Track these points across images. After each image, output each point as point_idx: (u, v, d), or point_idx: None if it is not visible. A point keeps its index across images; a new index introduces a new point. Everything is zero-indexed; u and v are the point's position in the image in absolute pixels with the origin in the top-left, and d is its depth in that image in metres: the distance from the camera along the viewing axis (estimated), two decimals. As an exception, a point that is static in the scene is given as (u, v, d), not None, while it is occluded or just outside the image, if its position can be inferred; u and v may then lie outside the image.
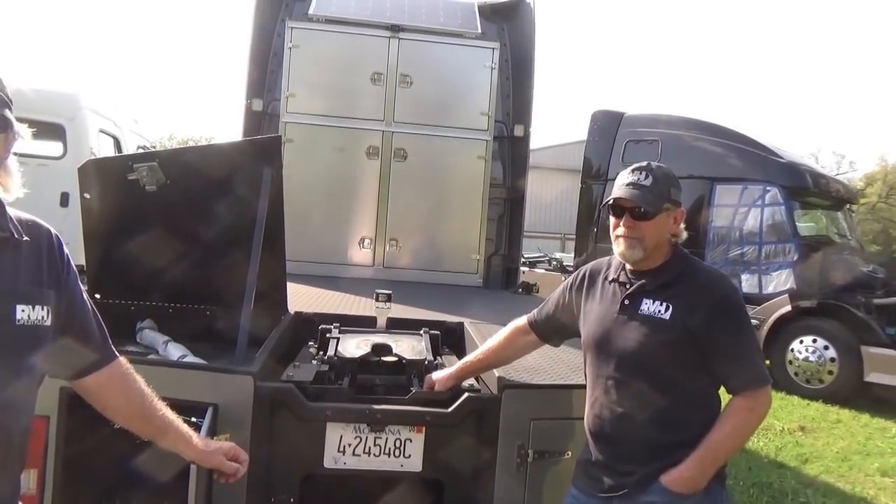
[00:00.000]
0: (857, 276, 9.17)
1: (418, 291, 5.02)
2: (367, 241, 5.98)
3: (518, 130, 6.39)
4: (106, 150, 8.08)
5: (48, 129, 7.66)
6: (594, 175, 11.09)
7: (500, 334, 2.68)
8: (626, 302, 2.23)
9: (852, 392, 8.53)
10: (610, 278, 2.32)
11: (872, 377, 8.40)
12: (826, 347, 8.74)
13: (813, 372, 8.76)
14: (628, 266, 2.27)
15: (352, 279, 5.58)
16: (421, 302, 4.38)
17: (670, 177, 2.24)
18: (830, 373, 8.68)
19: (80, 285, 1.71)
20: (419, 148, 5.98)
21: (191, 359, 2.94)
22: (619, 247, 2.24)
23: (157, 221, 3.03)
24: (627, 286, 2.25)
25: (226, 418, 2.47)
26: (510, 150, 6.53)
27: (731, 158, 9.90)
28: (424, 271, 5.95)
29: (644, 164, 2.27)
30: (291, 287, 4.81)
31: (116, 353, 1.81)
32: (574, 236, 11.99)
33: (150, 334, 3.34)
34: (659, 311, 2.15)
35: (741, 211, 9.65)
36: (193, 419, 2.35)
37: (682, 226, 2.29)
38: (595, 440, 2.25)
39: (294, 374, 2.73)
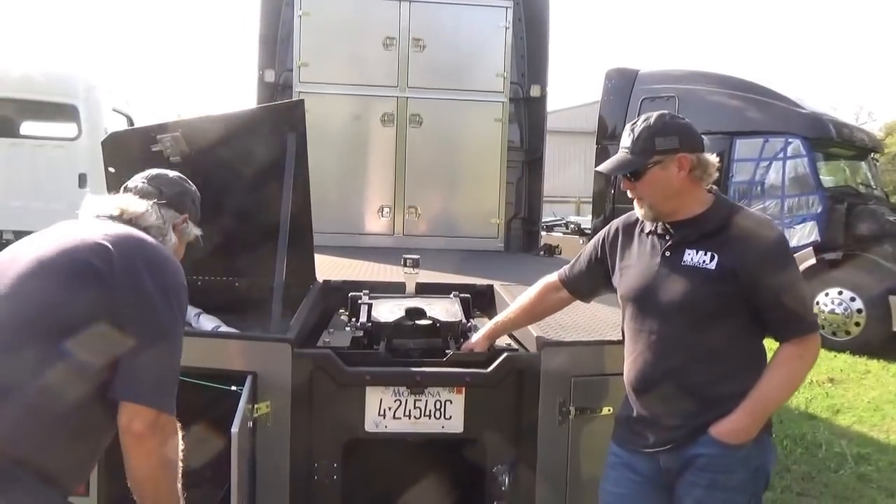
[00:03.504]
0: (884, 225, 9.01)
1: (441, 257, 4.95)
2: (385, 210, 5.93)
3: (534, 91, 6.29)
4: (120, 128, 8.05)
5: (61, 111, 7.64)
6: (609, 135, 10.87)
7: (531, 292, 2.64)
8: (668, 254, 2.17)
9: (881, 343, 8.44)
10: (647, 230, 2.26)
11: (901, 327, 8.30)
12: (853, 299, 8.64)
13: (840, 324, 8.67)
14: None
15: (372, 248, 5.54)
16: (445, 267, 4.34)
17: (655, 127, 2.13)
18: (857, 324, 8.59)
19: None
20: (434, 113, 5.89)
21: (225, 329, 2.93)
22: (636, 209, 2.23)
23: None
24: (667, 238, 2.19)
25: (265, 386, 2.46)
26: (527, 111, 6.45)
27: (751, 111, 9.68)
28: (445, 237, 5.90)
29: (632, 122, 2.20)
30: (316, 258, 4.84)
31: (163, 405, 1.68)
32: (589, 199, 11.85)
33: (180, 307, 3.32)
34: (703, 262, 2.09)
35: (763, 165, 9.46)
36: (233, 388, 2.35)
37: (712, 169, 2.17)
38: (638, 395, 2.21)
39: (330, 340, 2.72)
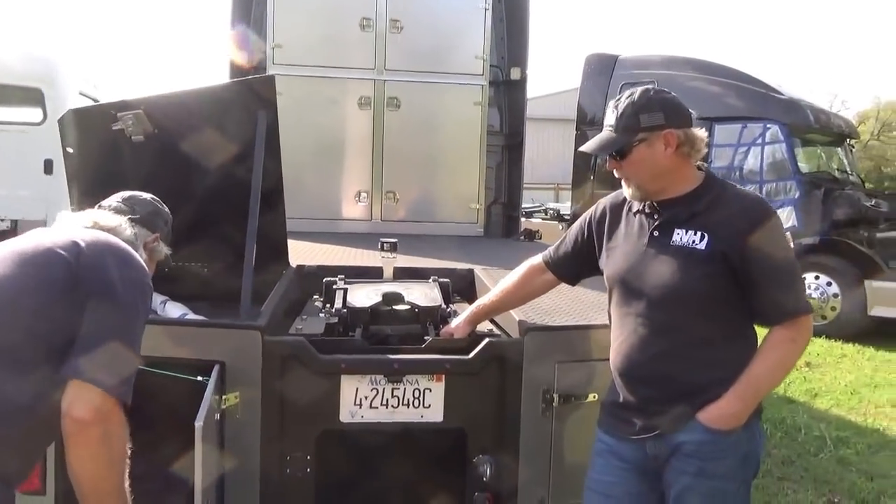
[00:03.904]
0: (860, 210, 9.06)
1: (420, 243, 4.87)
2: (363, 195, 5.80)
3: (514, 73, 6.20)
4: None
5: (26, 95, 7.39)
6: (589, 122, 10.79)
7: (514, 275, 2.54)
8: (656, 234, 2.08)
9: (856, 327, 8.50)
10: (634, 210, 2.17)
11: (876, 311, 8.40)
12: (829, 284, 8.70)
13: (816, 308, 8.71)
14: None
15: (349, 234, 5.42)
16: (425, 252, 4.25)
17: (639, 103, 2.03)
18: (833, 309, 8.66)
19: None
20: (412, 96, 5.77)
21: (192, 317, 2.79)
22: (624, 189, 2.14)
23: (147, 175, 2.84)
24: (655, 217, 2.10)
25: (234, 376, 2.34)
26: (507, 94, 6.36)
27: (730, 97, 9.67)
28: (423, 223, 5.80)
29: (616, 98, 2.10)
30: (289, 243, 4.70)
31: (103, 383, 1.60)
32: (568, 186, 11.80)
33: (147, 295, 3.18)
34: (693, 242, 2.00)
35: (741, 150, 9.47)
36: (199, 378, 2.23)
37: (701, 144, 2.07)
38: (625, 381, 2.12)
39: (303, 327, 2.60)
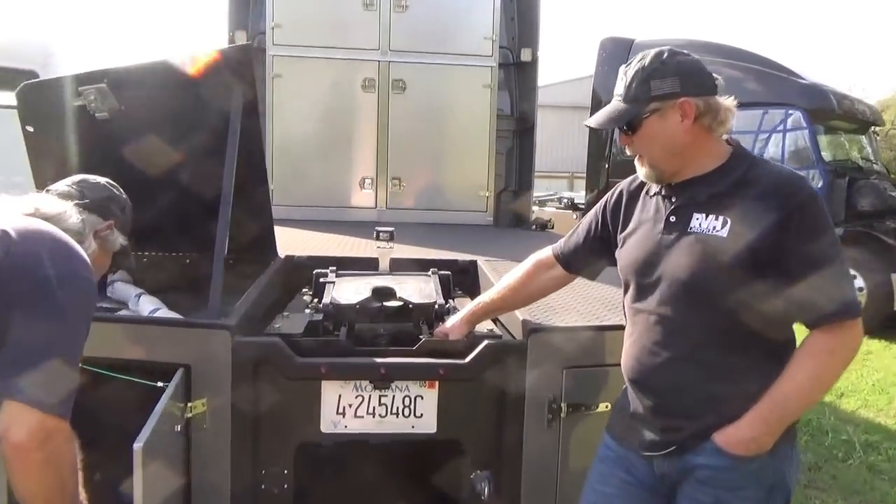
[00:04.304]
0: (886, 201, 8.70)
1: (425, 232, 4.66)
2: (367, 182, 5.59)
3: (525, 55, 5.91)
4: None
5: (21, 77, 7.16)
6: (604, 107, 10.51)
7: (520, 269, 2.25)
8: (672, 219, 1.78)
9: (882, 322, 8.16)
10: (653, 192, 1.88)
11: (903, 305, 8.04)
12: (853, 277, 8.35)
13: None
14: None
15: (353, 222, 5.19)
16: (428, 242, 4.01)
17: (650, 68, 1.74)
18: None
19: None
20: (418, 78, 5.53)
21: (163, 313, 2.54)
22: (637, 169, 1.85)
23: (115, 157, 2.59)
24: (673, 199, 1.80)
25: (201, 381, 2.09)
26: (517, 77, 6.08)
27: (749, 82, 9.30)
28: (430, 211, 5.58)
29: (626, 64, 1.80)
30: (286, 232, 4.46)
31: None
32: (583, 175, 11.51)
33: (121, 287, 2.94)
34: (714, 228, 1.70)
35: (761, 137, 9.13)
36: (160, 384, 1.97)
37: (726, 115, 1.77)
38: (634, 387, 1.84)
39: (282, 325, 2.33)
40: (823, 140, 9.12)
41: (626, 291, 1.91)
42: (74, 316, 1.55)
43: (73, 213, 1.78)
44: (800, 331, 1.76)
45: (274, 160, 5.33)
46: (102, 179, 1.99)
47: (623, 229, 1.93)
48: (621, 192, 1.99)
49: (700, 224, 1.72)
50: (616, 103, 1.78)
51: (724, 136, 1.81)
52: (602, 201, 2.06)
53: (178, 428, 1.98)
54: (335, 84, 5.50)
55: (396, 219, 5.30)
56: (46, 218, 1.71)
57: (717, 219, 1.70)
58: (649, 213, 1.86)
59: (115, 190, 2.00)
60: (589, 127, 1.91)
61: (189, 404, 2.06)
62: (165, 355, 2.08)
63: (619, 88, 1.78)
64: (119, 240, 1.95)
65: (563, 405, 2.20)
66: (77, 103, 2.42)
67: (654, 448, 1.77)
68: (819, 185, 8.70)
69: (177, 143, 2.65)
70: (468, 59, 5.55)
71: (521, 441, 2.23)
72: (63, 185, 1.94)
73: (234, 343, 2.10)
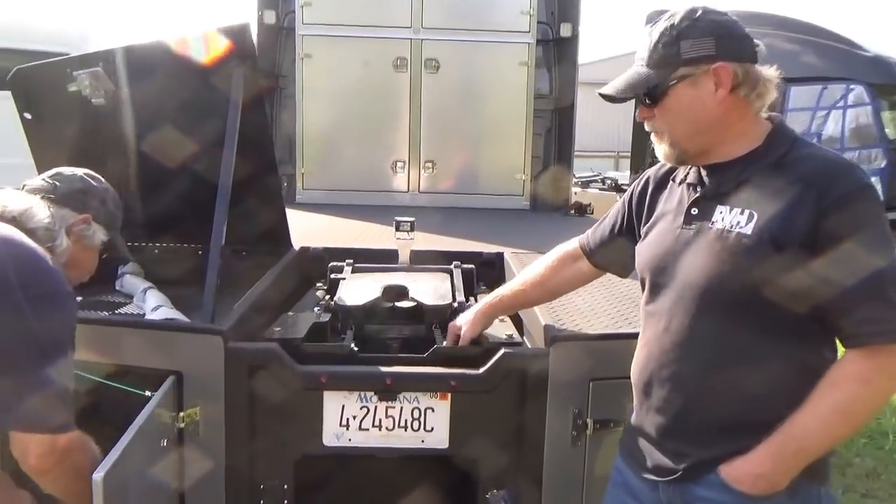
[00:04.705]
0: (957, 181, 8.20)
1: (457, 217, 4.49)
2: (399, 165, 5.41)
3: (565, 30, 5.62)
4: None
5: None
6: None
7: (544, 261, 2.03)
8: (694, 211, 1.52)
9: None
10: (680, 178, 1.62)
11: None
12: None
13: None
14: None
15: (385, 207, 5.02)
16: (458, 230, 3.81)
17: (680, 26, 1.46)
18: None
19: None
20: (453, 57, 5.32)
21: (165, 311, 2.39)
22: (655, 147, 1.57)
23: (119, 144, 2.45)
24: (698, 188, 1.55)
25: (194, 389, 1.93)
26: (556, 54, 5.79)
27: (808, 55, 8.82)
28: (465, 195, 5.38)
29: (651, 22, 1.54)
30: (312, 218, 4.32)
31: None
32: (629, 154, 11.16)
33: (130, 280, 2.81)
34: (738, 224, 1.43)
35: (820, 114, 8.67)
36: (147, 393, 1.83)
37: (769, 87, 1.50)
38: (639, 402, 1.62)
39: (284, 327, 2.17)
40: (888, 116, 8.65)
41: (642, 290, 1.67)
42: (55, 337, 1.51)
43: (40, 209, 1.67)
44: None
45: (304, 143, 5.25)
46: (80, 171, 1.84)
47: (647, 221, 1.69)
48: (647, 179, 1.74)
49: (723, 218, 1.47)
50: (638, 69, 1.52)
51: (765, 114, 1.54)
52: (629, 190, 1.82)
53: (165, 443, 1.83)
54: (366, 64, 5.33)
55: (429, 203, 5.23)
56: (12, 217, 1.61)
57: (742, 212, 1.44)
58: (672, 204, 1.61)
59: (91, 181, 1.84)
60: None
61: (181, 413, 1.91)
62: (156, 361, 1.94)
63: (642, 52, 1.51)
64: (99, 234, 1.80)
65: (589, 421, 1.99)
66: (72, 88, 2.27)
67: (659, 473, 1.55)
68: (882, 165, 8.25)
69: (182, 129, 2.50)
70: (504, 36, 5.32)
71: (542, 458, 2.02)
72: (39, 178, 1.81)
73: (227, 349, 1.94)
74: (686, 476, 1.50)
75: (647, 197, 1.70)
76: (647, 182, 1.73)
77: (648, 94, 1.49)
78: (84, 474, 1.50)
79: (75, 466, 1.51)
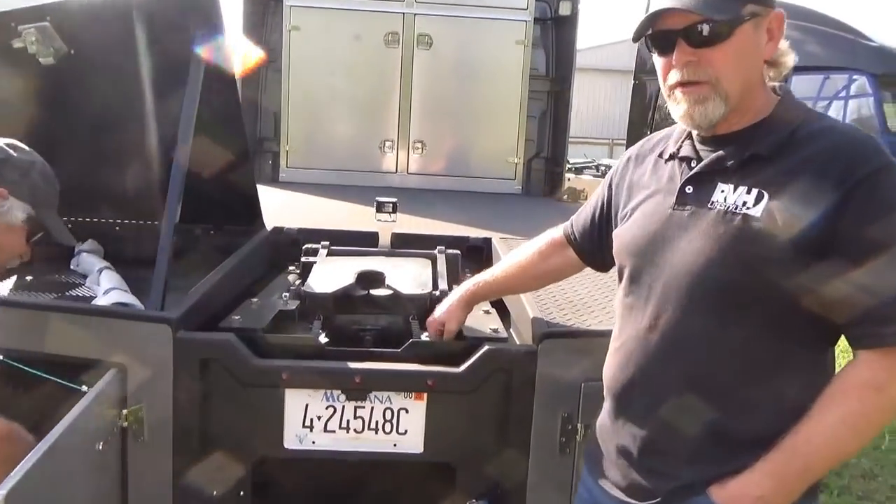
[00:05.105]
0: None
1: (445, 200, 4.34)
2: (388, 145, 5.27)
3: (564, 8, 5.47)
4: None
5: None
6: (649, 70, 9.97)
7: (531, 246, 1.83)
8: (689, 189, 1.31)
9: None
10: (667, 155, 1.41)
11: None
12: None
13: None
14: (696, 133, 1.35)
15: (372, 188, 4.87)
16: (446, 213, 3.64)
17: None
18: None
19: None
20: (446, 33, 5.17)
21: (118, 294, 2.19)
22: (678, 105, 1.30)
23: (65, 111, 2.23)
24: (693, 163, 1.34)
25: (139, 385, 1.73)
26: (554, 33, 5.66)
27: (810, 44, 8.67)
28: (455, 178, 5.26)
29: None
30: (292, 197, 4.13)
31: None
32: (624, 141, 11.04)
33: (87, 259, 2.61)
34: (743, 204, 1.23)
35: (821, 105, 8.52)
36: (84, 388, 1.62)
37: (786, 58, 1.33)
38: (616, 411, 1.40)
39: (242, 316, 1.96)
40: (891, 108, 8.50)
41: (619, 280, 1.46)
42: None
43: None
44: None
45: (289, 119, 5.09)
46: (2, 140, 1.65)
47: (627, 203, 1.47)
48: (629, 158, 1.53)
49: (725, 198, 1.26)
50: None
51: (771, 84, 1.34)
52: (609, 173, 1.62)
53: (101, 445, 1.63)
54: (356, 38, 5.15)
55: (418, 185, 5.12)
56: None
57: (748, 191, 1.24)
58: (661, 182, 1.39)
59: (12, 151, 1.65)
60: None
61: (124, 411, 1.71)
62: (95, 352, 1.73)
63: None
64: (17, 211, 1.63)
65: (579, 426, 1.80)
66: (17, 45, 2.04)
67: (636, 495, 1.34)
68: (885, 159, 8.14)
69: (142, 97, 2.28)
70: (501, 13, 5.17)
71: (527, 465, 1.83)
72: None
73: (175, 339, 1.74)
74: (668, 500, 1.30)
75: (629, 176, 1.49)
76: (627, 162, 1.53)
77: (712, 33, 1.24)
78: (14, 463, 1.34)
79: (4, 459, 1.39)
